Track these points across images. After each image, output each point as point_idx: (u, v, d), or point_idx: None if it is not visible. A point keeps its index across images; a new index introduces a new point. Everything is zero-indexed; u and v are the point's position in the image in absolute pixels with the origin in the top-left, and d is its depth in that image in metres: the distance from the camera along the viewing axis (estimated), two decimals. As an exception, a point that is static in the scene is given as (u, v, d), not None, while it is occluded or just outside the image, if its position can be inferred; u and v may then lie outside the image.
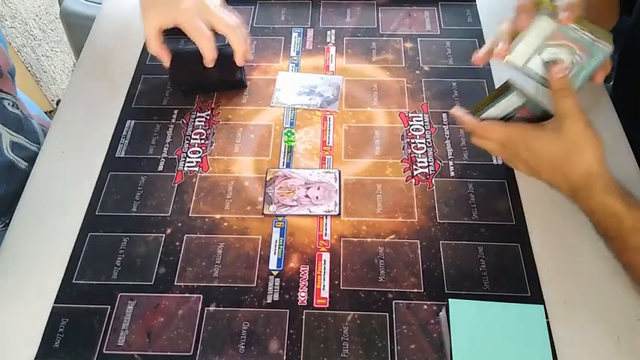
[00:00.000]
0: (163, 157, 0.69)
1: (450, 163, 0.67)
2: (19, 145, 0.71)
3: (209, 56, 0.67)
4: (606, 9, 0.68)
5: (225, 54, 0.69)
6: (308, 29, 0.84)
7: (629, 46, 0.73)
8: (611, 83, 0.83)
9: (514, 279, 0.57)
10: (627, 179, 0.53)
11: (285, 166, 0.68)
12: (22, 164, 0.71)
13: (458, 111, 0.59)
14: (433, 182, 0.65)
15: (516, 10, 0.54)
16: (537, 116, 0.55)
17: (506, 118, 0.57)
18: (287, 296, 0.57)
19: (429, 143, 0.69)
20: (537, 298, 0.56)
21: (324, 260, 0.59)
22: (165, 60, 0.70)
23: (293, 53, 0.81)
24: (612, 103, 0.71)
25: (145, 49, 0.81)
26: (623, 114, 0.70)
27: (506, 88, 0.54)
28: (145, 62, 0.80)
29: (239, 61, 0.70)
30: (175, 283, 0.58)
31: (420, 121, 0.72)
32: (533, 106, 0.55)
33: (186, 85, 0.75)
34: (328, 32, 0.84)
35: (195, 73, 0.71)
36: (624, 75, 0.77)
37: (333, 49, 0.81)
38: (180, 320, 0.56)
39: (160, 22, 0.67)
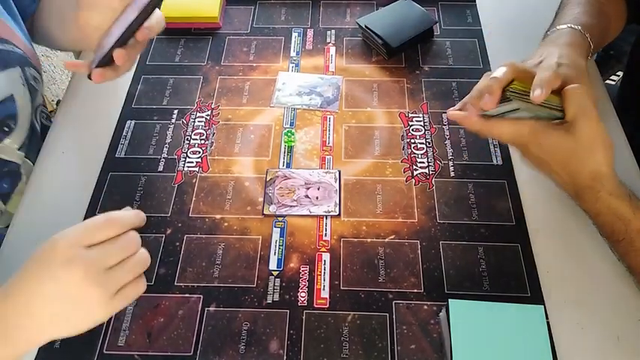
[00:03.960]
0: (163, 157, 0.69)
1: (450, 163, 0.67)
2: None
3: None
4: (616, 16, 0.68)
5: None
6: (308, 29, 0.84)
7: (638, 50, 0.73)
8: (617, 83, 0.84)
9: (514, 279, 0.57)
10: (627, 179, 0.53)
11: (285, 167, 0.68)
12: None
13: (455, 113, 0.56)
14: (433, 182, 0.65)
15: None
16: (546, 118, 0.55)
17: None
18: (287, 296, 0.57)
19: (429, 143, 0.69)
20: (537, 298, 0.56)
21: (324, 260, 0.59)
22: None
23: (293, 53, 0.81)
24: (612, 103, 0.71)
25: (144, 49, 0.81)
26: (630, 113, 0.70)
27: (506, 98, 0.53)
28: (145, 62, 0.80)
29: None
30: (175, 284, 0.58)
31: (420, 121, 0.72)
32: (536, 113, 0.54)
33: None
34: (328, 32, 0.84)
35: None
36: (632, 77, 0.78)
37: (333, 49, 0.81)
38: (181, 320, 0.56)
39: None
